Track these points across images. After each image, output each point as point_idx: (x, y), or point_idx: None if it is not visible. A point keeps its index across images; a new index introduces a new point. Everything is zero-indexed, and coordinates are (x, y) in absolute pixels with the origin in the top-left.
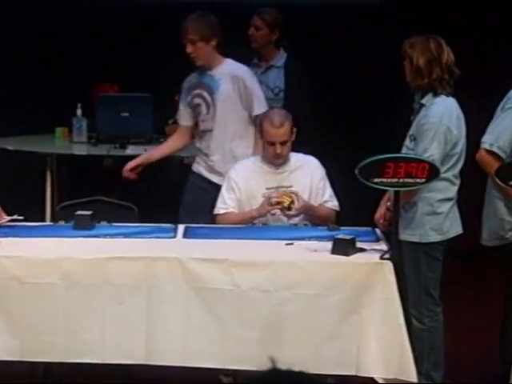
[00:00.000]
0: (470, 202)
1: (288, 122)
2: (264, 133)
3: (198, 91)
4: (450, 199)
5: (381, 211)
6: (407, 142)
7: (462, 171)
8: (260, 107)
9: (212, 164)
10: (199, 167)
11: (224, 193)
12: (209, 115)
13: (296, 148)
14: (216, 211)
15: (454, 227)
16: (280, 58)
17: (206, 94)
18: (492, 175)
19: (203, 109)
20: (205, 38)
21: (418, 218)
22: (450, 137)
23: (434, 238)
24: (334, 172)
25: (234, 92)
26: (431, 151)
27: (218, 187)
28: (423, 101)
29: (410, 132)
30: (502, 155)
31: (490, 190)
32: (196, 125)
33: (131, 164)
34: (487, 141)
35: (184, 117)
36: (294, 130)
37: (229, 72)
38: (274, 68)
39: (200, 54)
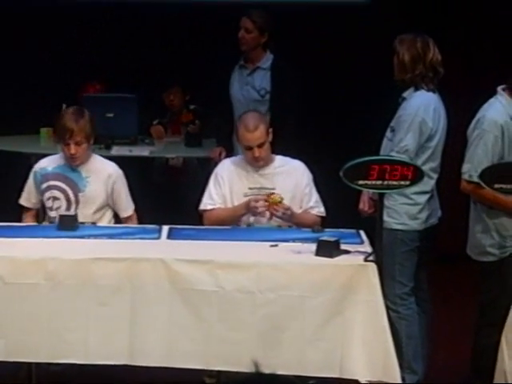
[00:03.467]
0: (456, 202)
1: (262, 124)
2: (240, 138)
3: (57, 183)
4: (426, 192)
5: (364, 199)
6: (387, 132)
7: (443, 169)
8: (127, 209)
9: None
10: None
11: (211, 188)
12: (69, 212)
13: (282, 149)
14: (203, 207)
15: (430, 218)
16: (267, 60)
17: (69, 191)
18: (479, 198)
19: (62, 204)
20: (89, 138)
21: (396, 206)
22: (425, 128)
23: (411, 226)
24: (319, 174)
25: (102, 192)
26: (406, 141)
27: None
28: (404, 94)
29: (391, 123)
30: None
31: (476, 210)
32: (42, 207)
33: None
34: (467, 171)
35: (31, 200)
36: (270, 130)
37: (99, 170)
38: (261, 70)
39: (83, 155)
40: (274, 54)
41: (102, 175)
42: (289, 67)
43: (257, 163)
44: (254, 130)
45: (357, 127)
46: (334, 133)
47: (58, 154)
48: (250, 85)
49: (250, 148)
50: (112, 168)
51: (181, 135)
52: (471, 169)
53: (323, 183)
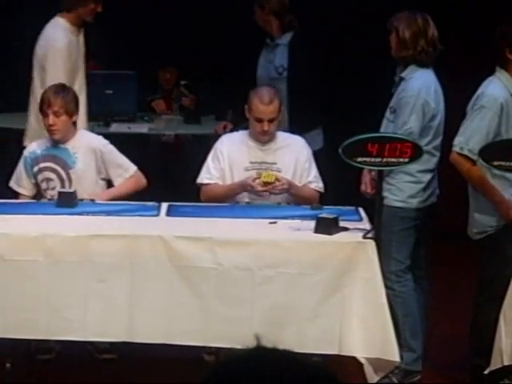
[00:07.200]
0: (455, 181)
1: (277, 99)
2: (253, 109)
3: (47, 164)
4: (430, 170)
5: (365, 181)
6: (387, 113)
7: (443, 148)
8: (125, 171)
9: None
10: None
11: (209, 162)
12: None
13: (297, 126)
14: (199, 180)
15: (430, 196)
16: (285, 37)
17: (59, 169)
18: (466, 176)
19: (56, 184)
20: (69, 113)
21: (400, 184)
22: (427, 109)
23: (412, 204)
24: (319, 150)
25: (91, 167)
26: (410, 124)
27: None
28: (403, 74)
29: (391, 104)
30: (474, 157)
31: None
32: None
33: None
34: (458, 144)
35: (27, 186)
36: (282, 108)
37: (84, 145)
38: (281, 46)
39: (62, 128)
40: (294, 31)
41: (88, 149)
42: (305, 44)
43: (263, 137)
44: (269, 103)
45: (363, 105)
46: (338, 109)
47: (45, 138)
48: (272, 62)
49: (260, 120)
50: (96, 141)
51: (173, 111)
52: (462, 141)
53: (323, 160)
